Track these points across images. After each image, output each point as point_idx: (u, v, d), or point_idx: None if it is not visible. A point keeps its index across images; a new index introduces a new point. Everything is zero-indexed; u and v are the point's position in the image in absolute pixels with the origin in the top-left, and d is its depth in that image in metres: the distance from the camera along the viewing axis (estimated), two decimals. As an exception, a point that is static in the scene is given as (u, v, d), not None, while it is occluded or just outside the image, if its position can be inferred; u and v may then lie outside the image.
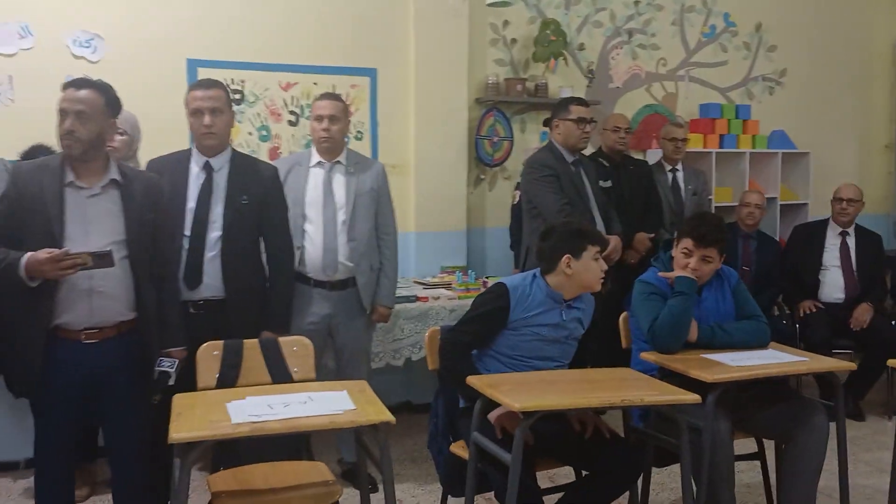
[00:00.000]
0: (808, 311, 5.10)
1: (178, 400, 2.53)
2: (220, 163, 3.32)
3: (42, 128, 3.85)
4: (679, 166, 5.30)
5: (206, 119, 3.24)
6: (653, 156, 5.68)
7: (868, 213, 6.40)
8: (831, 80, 6.54)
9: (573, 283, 2.98)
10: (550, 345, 3.00)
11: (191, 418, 2.35)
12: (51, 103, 4.09)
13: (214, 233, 3.25)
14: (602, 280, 3.03)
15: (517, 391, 2.60)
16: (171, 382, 2.82)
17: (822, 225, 5.34)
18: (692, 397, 2.64)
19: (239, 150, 4.51)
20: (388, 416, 2.38)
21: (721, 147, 5.89)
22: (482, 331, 2.98)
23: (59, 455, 2.80)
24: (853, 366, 3.29)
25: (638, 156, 5.71)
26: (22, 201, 2.69)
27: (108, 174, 2.79)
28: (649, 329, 3.14)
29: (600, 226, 4.21)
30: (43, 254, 2.56)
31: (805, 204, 6.15)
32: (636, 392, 2.67)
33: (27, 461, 4.08)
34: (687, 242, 3.28)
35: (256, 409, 2.39)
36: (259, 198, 3.33)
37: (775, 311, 5.31)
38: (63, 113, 2.77)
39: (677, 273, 3.25)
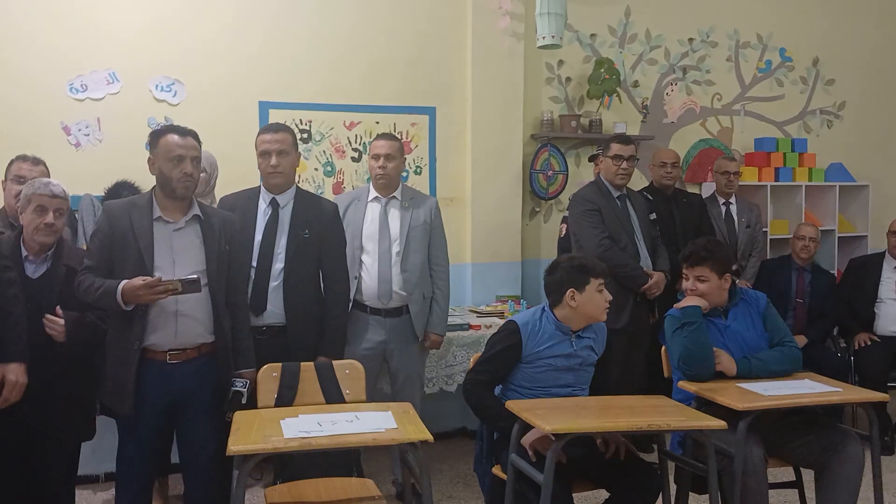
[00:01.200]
0: (863, 344, 5.10)
1: (239, 417, 2.79)
2: (286, 199, 3.59)
3: (126, 166, 4.25)
4: (733, 199, 5.40)
5: (273, 160, 3.51)
6: (708, 189, 5.78)
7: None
8: (891, 112, 6.54)
9: (578, 314, 3.14)
10: (565, 373, 3.15)
11: (248, 433, 2.60)
12: (134, 143, 4.51)
13: (278, 264, 3.51)
14: (607, 310, 3.18)
15: (550, 415, 2.77)
16: (244, 401, 3.06)
17: (878, 258, 5.33)
18: (718, 423, 2.76)
19: (305, 184, 4.90)
20: (426, 435, 2.58)
21: (776, 180, 5.95)
22: (499, 368, 3.16)
23: (141, 470, 3.06)
24: (886, 397, 3.32)
25: (693, 189, 5.83)
26: (114, 235, 3.00)
27: (191, 210, 3.09)
28: (679, 361, 3.28)
29: (645, 259, 4.37)
30: (138, 280, 2.85)
31: (864, 236, 6.16)
32: (663, 418, 2.81)
33: (107, 475, 4.41)
34: (683, 269, 3.48)
35: (307, 425, 2.62)
36: (319, 232, 3.58)
37: (829, 344, 5.32)
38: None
39: (683, 304, 3.39)
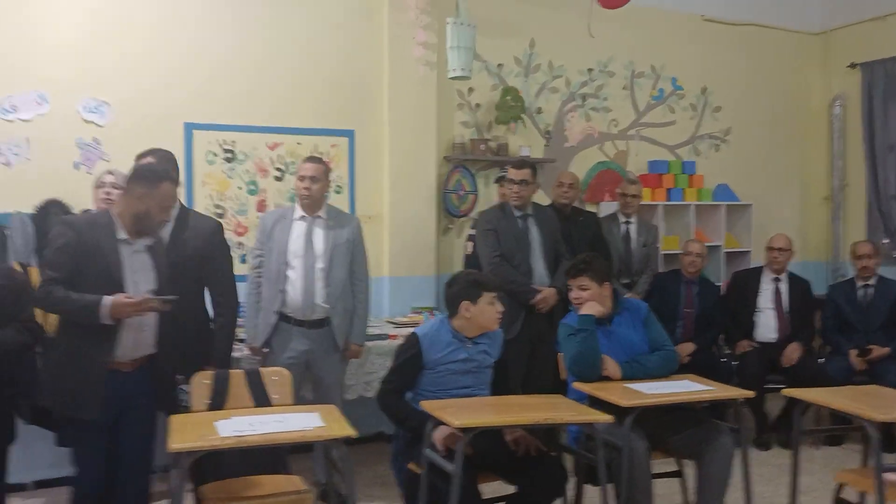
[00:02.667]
0: (744, 350, 5.62)
1: (175, 419, 3.04)
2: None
3: (54, 185, 4.42)
4: (633, 219, 5.85)
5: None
6: (606, 208, 6.26)
7: (809, 261, 7.05)
8: (773, 137, 7.20)
9: (472, 324, 3.52)
10: (463, 376, 3.53)
11: (185, 433, 2.86)
12: (63, 163, 4.67)
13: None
14: (499, 320, 3.57)
15: (458, 412, 3.12)
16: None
17: (757, 271, 5.88)
18: (605, 417, 3.17)
19: (229, 202, 5.14)
20: (351, 431, 2.89)
21: (668, 199, 6.47)
22: (405, 376, 3.52)
23: (100, 474, 3.22)
24: (750, 393, 3.77)
25: (592, 208, 6.29)
26: (81, 249, 3.11)
27: (151, 238, 3.31)
28: (570, 364, 3.69)
29: (540, 274, 4.78)
30: (123, 297, 3.06)
31: (748, 251, 6.74)
32: (558, 413, 3.20)
33: (35, 482, 4.56)
34: (568, 282, 3.93)
35: (240, 426, 2.90)
36: (199, 249, 3.80)
37: (715, 350, 5.82)
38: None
39: (581, 311, 3.79)
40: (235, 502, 3.12)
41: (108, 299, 3.05)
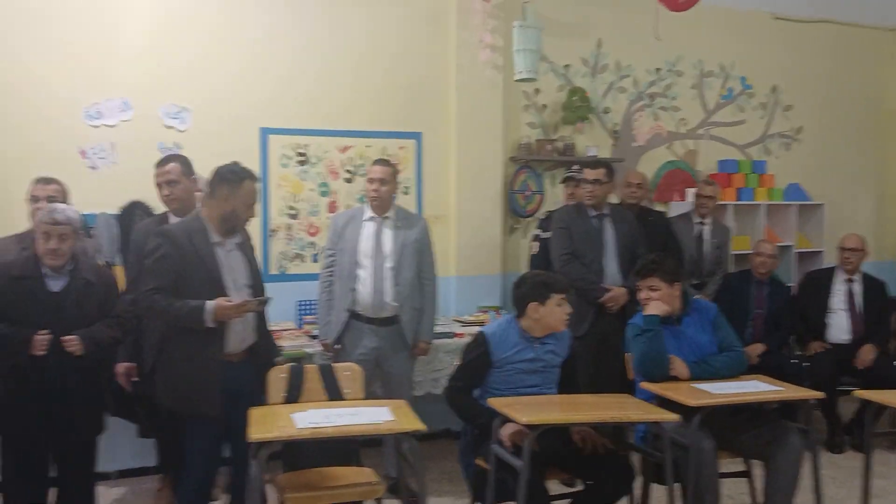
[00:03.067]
0: (816, 351, 5.54)
1: (254, 412, 3.18)
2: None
3: (138, 187, 4.63)
4: (707, 220, 5.81)
5: (164, 190, 3.94)
6: (675, 208, 6.23)
7: (885, 261, 6.88)
8: (845, 136, 7.05)
9: (540, 325, 3.56)
10: (531, 375, 3.58)
11: (264, 425, 2.99)
12: (146, 166, 4.88)
13: None
14: (566, 322, 3.60)
15: (525, 410, 3.18)
16: None
17: (829, 272, 5.78)
18: (671, 416, 3.19)
19: (302, 203, 5.30)
20: (420, 426, 2.98)
21: (738, 199, 6.41)
22: (472, 374, 3.59)
23: (214, 467, 3.49)
24: (819, 394, 3.73)
25: (660, 208, 6.27)
26: (182, 258, 3.34)
27: (239, 236, 3.54)
28: (636, 364, 3.71)
29: (612, 274, 4.76)
30: (224, 301, 3.29)
31: (820, 251, 6.62)
32: (624, 412, 3.24)
33: (119, 472, 4.81)
34: (637, 283, 3.92)
35: (316, 418, 3.02)
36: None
37: (786, 351, 5.75)
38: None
39: (646, 312, 3.81)
40: (311, 491, 3.24)
41: (210, 304, 3.27)
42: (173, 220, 3.95)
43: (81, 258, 3.64)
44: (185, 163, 4.00)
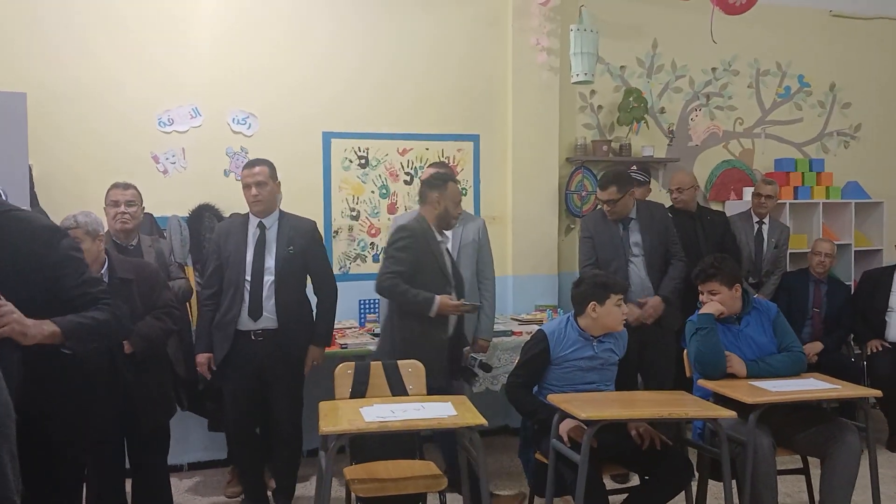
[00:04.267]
0: (875, 350, 5.52)
1: (323, 405, 3.33)
2: (271, 222, 4.19)
3: (207, 190, 4.82)
4: (766, 219, 5.81)
5: (254, 190, 4.12)
6: (731, 206, 6.25)
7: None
8: (905, 134, 6.96)
9: (598, 324, 3.65)
10: (589, 372, 3.68)
11: (334, 418, 3.14)
12: (215, 170, 5.08)
13: (269, 277, 4.12)
14: (624, 321, 3.68)
15: (584, 406, 3.27)
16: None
17: (889, 270, 5.74)
18: (728, 413, 3.26)
19: (363, 205, 5.46)
20: (482, 420, 3.10)
21: (795, 198, 6.39)
22: (532, 371, 3.69)
23: None
24: (877, 392, 3.75)
25: (717, 206, 6.29)
26: (419, 251, 3.93)
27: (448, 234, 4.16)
28: (694, 361, 3.78)
29: (640, 282, 4.65)
30: (447, 298, 3.88)
31: (879, 250, 6.56)
32: (681, 408, 3.31)
33: (189, 465, 5.02)
34: (698, 286, 3.96)
35: (382, 412, 3.16)
36: (303, 246, 4.19)
37: (844, 350, 5.73)
38: (247, 186, 4.20)
39: (702, 311, 3.86)
40: (377, 483, 3.37)
41: (437, 299, 3.85)
42: (253, 220, 4.17)
43: (114, 259, 3.70)
44: (271, 166, 4.21)
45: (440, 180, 4.07)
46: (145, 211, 4.48)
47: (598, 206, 5.00)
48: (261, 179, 4.12)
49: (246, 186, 4.15)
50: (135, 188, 4.33)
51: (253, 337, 4.11)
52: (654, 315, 4.60)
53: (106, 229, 4.05)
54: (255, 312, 4.10)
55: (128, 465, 3.81)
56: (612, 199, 4.61)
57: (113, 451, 3.71)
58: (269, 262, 4.13)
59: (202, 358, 4.19)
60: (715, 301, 3.86)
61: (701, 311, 3.86)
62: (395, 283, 3.87)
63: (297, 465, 4.34)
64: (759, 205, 5.77)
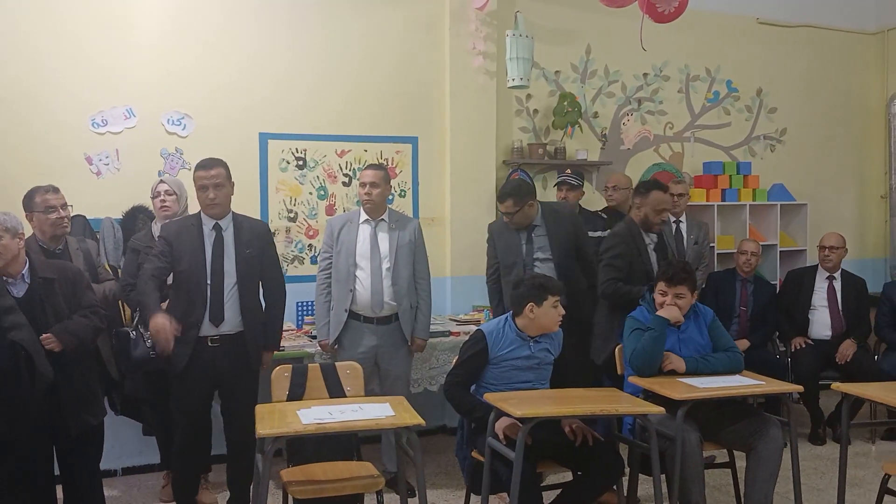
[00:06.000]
0: (798, 347, 5.72)
1: (260, 408, 3.34)
2: (226, 224, 4.10)
3: (141, 192, 4.77)
4: (683, 218, 5.96)
5: (211, 193, 4.02)
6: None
7: (866, 258, 7.10)
8: (829, 137, 7.26)
9: (535, 325, 3.73)
10: (525, 372, 3.76)
11: (271, 420, 3.15)
12: (149, 172, 5.03)
13: (229, 279, 4.02)
14: (560, 322, 3.75)
15: (519, 403, 3.35)
16: None
17: (811, 270, 5.97)
18: (656, 409, 3.37)
19: (301, 206, 5.46)
20: (420, 420, 3.15)
21: (723, 200, 6.59)
22: (470, 370, 3.74)
23: None
24: (798, 387, 3.91)
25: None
26: (631, 254, 4.49)
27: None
28: (630, 358, 3.88)
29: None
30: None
31: (803, 250, 6.81)
32: (613, 405, 3.41)
33: (123, 469, 4.98)
34: (661, 285, 4.03)
35: (320, 414, 3.18)
36: (259, 248, 4.13)
37: (770, 347, 5.93)
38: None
39: (661, 312, 3.96)
40: (314, 485, 3.39)
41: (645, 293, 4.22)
42: (208, 222, 4.06)
43: (35, 260, 3.64)
44: (227, 167, 4.10)
45: (644, 188, 4.60)
46: (77, 213, 4.40)
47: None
48: (218, 182, 4.02)
49: (202, 188, 4.01)
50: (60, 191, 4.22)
51: (210, 343, 3.99)
52: None
53: (30, 233, 3.99)
54: (217, 317, 4.00)
55: (57, 472, 3.73)
56: (509, 211, 4.63)
57: (40, 455, 3.60)
58: (229, 264, 4.03)
59: (161, 318, 3.78)
60: (676, 307, 3.94)
61: (659, 314, 3.94)
62: (617, 286, 4.42)
63: (252, 473, 4.03)
64: (674, 204, 5.88)
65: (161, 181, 4.53)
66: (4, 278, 3.50)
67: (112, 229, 4.79)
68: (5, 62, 4.85)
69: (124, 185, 5.02)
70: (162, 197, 4.44)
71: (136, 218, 4.84)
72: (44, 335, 3.46)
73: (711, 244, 6.29)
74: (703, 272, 5.91)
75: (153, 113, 5.17)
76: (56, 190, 4.19)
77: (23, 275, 3.54)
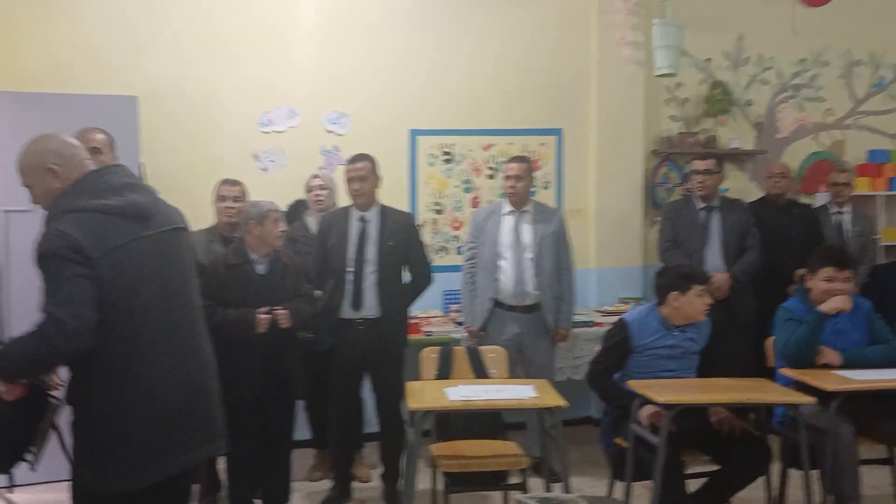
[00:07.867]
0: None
1: (410, 385, 3.51)
2: (371, 215, 4.33)
3: (302, 188, 5.07)
4: (845, 209, 5.72)
5: (356, 185, 4.28)
6: (821, 199, 6.15)
7: None
8: None
9: (679, 314, 3.71)
10: (669, 361, 3.73)
11: (420, 397, 3.31)
12: (311, 167, 5.32)
13: (370, 268, 4.26)
14: (706, 312, 3.71)
15: (663, 391, 3.36)
16: None
17: None
18: (807, 399, 3.29)
19: (447, 199, 5.64)
20: (563, 402, 3.23)
21: (889, 189, 6.25)
22: (613, 358, 3.77)
23: None
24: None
25: (806, 200, 6.21)
26: None
27: None
28: (782, 349, 3.79)
29: (714, 265, 4.88)
30: None
31: (978, 243, 6.35)
32: (760, 394, 3.35)
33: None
34: (827, 271, 3.86)
35: (465, 392, 3.32)
36: (403, 239, 4.32)
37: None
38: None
39: (831, 305, 3.75)
40: (461, 460, 3.53)
41: None
42: (355, 213, 4.34)
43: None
44: (373, 161, 4.37)
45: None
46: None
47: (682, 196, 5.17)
48: (363, 174, 4.27)
49: (349, 181, 4.29)
50: (241, 185, 4.60)
51: (356, 326, 4.25)
52: (718, 292, 4.72)
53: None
54: (357, 302, 4.26)
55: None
56: (709, 169, 4.94)
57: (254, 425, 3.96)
58: (371, 253, 4.27)
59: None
60: (845, 297, 3.78)
61: (825, 305, 3.78)
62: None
63: (401, 449, 4.34)
64: (836, 193, 5.66)
65: (315, 176, 4.83)
66: (252, 258, 3.96)
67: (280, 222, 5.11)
68: (179, 69, 5.31)
69: (288, 179, 5.34)
70: (316, 191, 4.74)
71: (299, 210, 5.17)
72: (279, 311, 3.87)
73: (875, 236, 5.97)
74: (866, 266, 5.66)
75: (315, 113, 5.50)
76: (234, 183, 4.58)
77: (269, 256, 4.00)
